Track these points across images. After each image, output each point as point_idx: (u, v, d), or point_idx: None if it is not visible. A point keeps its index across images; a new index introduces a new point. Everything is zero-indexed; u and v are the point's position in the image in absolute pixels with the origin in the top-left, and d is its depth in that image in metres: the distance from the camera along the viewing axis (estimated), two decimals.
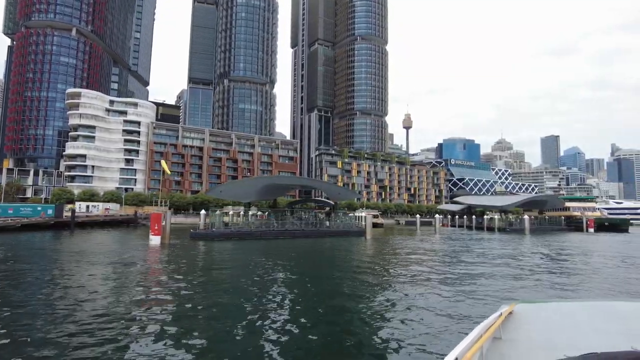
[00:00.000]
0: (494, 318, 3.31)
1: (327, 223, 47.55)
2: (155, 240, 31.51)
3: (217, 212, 46.11)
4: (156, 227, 31.56)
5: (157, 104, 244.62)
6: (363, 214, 48.07)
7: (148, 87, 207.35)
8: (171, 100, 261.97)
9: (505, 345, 3.04)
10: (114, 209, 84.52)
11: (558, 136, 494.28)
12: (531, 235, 56.59)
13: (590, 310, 3.85)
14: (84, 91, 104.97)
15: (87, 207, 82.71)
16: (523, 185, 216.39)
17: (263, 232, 39.87)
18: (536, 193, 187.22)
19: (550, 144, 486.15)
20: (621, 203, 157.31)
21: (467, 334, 2.89)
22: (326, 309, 11.67)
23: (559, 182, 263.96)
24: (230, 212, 52.69)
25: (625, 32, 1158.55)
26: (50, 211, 53.91)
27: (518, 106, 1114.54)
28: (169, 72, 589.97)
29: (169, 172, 44.44)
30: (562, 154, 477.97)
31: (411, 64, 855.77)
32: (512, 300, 4.57)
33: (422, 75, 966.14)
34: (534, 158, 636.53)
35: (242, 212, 67.77)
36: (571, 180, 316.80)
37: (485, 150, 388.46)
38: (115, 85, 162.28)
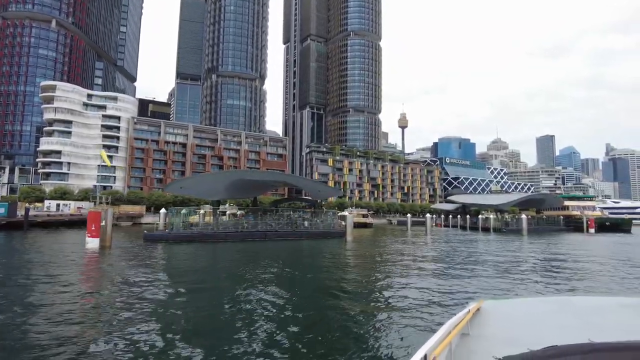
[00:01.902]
0: (462, 315, 3.38)
1: (306, 223, 42.96)
2: (92, 243, 26.83)
3: (184, 210, 41.46)
4: (93, 228, 26.85)
5: (147, 101, 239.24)
6: (346, 213, 43.51)
7: (137, 84, 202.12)
8: (163, 98, 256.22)
9: (472, 341, 3.10)
10: (88, 207, 79.53)
11: (553, 136, 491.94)
12: (529, 237, 52.36)
13: (551, 306, 3.98)
14: (59, 84, 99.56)
15: (58, 205, 77.82)
16: (519, 184, 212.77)
17: (229, 234, 35.17)
18: (532, 192, 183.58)
19: (545, 143, 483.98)
20: (619, 202, 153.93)
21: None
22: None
23: (555, 181, 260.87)
24: (201, 212, 47.95)
25: (618, 32, 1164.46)
26: (2, 210, 48.93)
27: (513, 105, 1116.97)
28: (160, 69, 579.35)
29: (108, 164, 40.48)
30: (557, 153, 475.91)
31: (406, 62, 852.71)
32: (480, 297, 4.35)
33: (418, 74, 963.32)
34: (529, 158, 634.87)
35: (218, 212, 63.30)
36: (567, 180, 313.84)
37: (480, 149, 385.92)
38: (99, 81, 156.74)
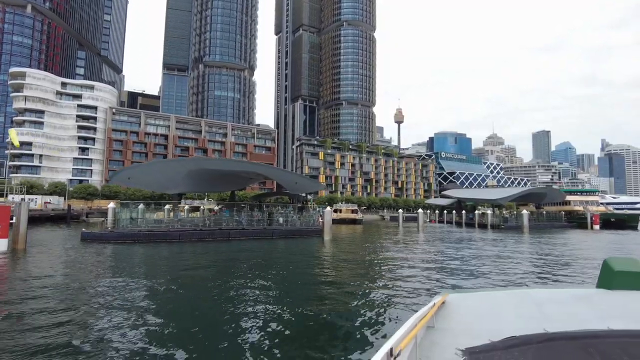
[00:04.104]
0: (427, 308, 3.47)
1: (280, 220, 37.78)
2: None
3: (141, 206, 36.21)
4: None
5: (137, 94, 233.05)
6: (327, 209, 38.33)
7: (127, 77, 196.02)
8: (154, 91, 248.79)
9: (437, 334, 3.19)
10: (56, 202, 74.03)
11: (549, 131, 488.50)
12: (530, 234, 47.55)
13: (510, 298, 4.06)
14: (29, 71, 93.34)
15: (23, 200, 71.98)
16: (515, 179, 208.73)
17: (184, 233, 29.91)
18: (528, 187, 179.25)
19: (541, 139, 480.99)
20: (617, 197, 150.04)
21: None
22: None
23: (552, 176, 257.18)
24: (167, 207, 42.60)
25: (613, 29, 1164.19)
26: None
27: (509, 102, 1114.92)
28: (150, 61, 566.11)
29: (17, 144, 35.55)
30: (553, 149, 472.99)
31: (402, 56, 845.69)
32: (445, 290, 4.56)
33: (413, 69, 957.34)
34: (525, 154, 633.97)
35: (201, 207, 57.79)
36: (563, 175, 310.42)
37: (476, 145, 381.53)
38: (81, 71, 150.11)
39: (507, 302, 3.92)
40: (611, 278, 3.82)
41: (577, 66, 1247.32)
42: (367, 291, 13.23)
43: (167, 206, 43.80)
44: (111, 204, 33.38)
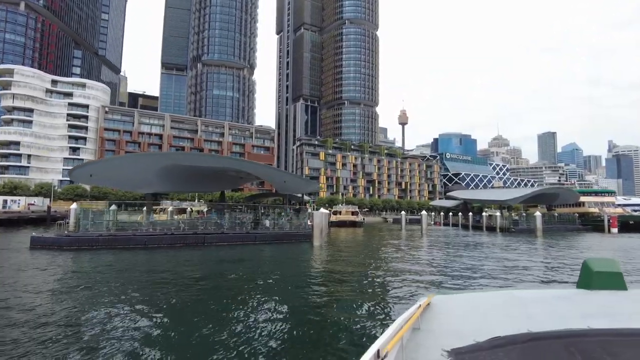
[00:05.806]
0: (413, 310, 3.48)
1: (267, 223, 33.83)
2: None
3: (112, 206, 32.43)
4: None
5: (137, 95, 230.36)
6: (321, 210, 34.35)
7: (127, 77, 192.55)
8: (156, 92, 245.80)
9: (423, 335, 3.21)
10: (41, 204, 70.64)
11: (555, 132, 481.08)
12: (545, 238, 43.29)
13: (495, 299, 4.11)
14: (17, 67, 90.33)
15: (5, 202, 68.69)
16: (522, 180, 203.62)
17: (151, 238, 26.01)
18: (536, 188, 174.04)
19: (547, 140, 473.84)
20: (629, 199, 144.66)
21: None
22: None
23: (559, 177, 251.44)
24: (144, 209, 38.81)
25: (617, 30, 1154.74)
26: None
27: (514, 103, 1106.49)
28: (151, 61, 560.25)
29: None
30: (559, 150, 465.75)
31: (406, 57, 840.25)
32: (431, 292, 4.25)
33: (417, 69, 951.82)
34: (530, 155, 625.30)
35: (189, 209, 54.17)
36: (570, 177, 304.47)
37: (481, 146, 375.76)
38: (77, 70, 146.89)
39: (491, 303, 3.93)
40: (590, 278, 3.85)
41: (580, 67, 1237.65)
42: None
43: (145, 208, 40.04)
44: (73, 205, 29.62)
